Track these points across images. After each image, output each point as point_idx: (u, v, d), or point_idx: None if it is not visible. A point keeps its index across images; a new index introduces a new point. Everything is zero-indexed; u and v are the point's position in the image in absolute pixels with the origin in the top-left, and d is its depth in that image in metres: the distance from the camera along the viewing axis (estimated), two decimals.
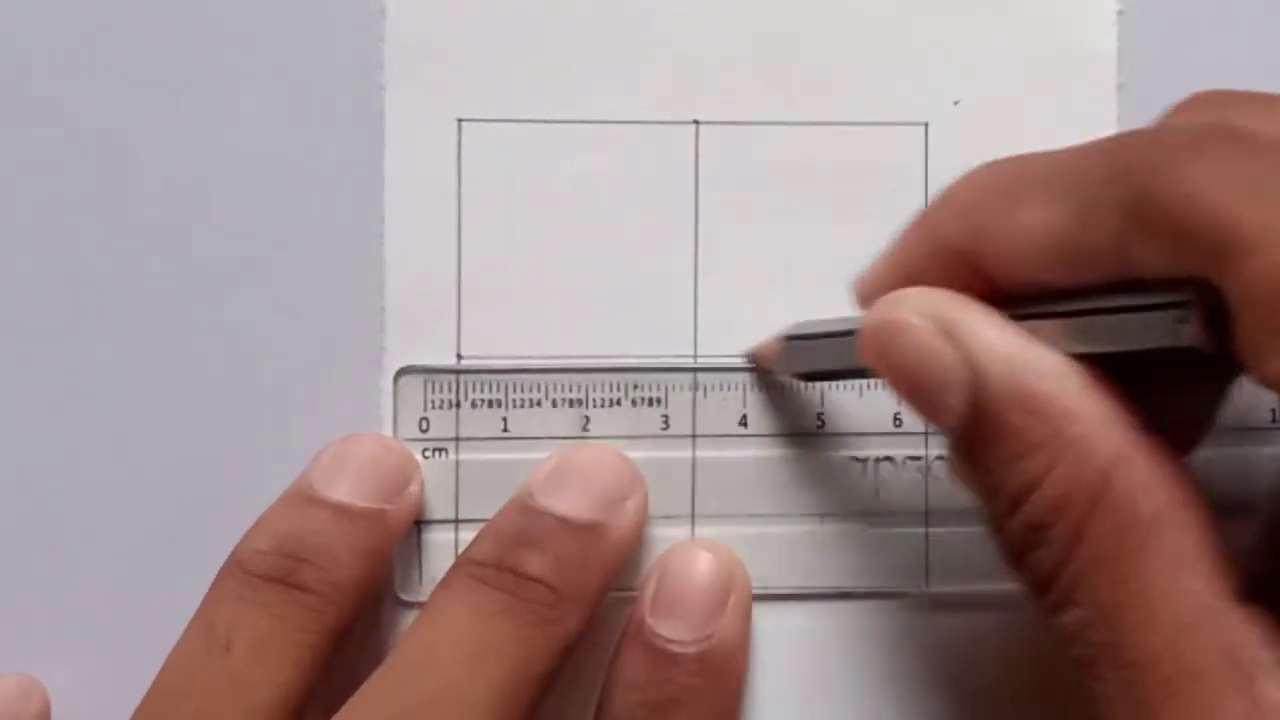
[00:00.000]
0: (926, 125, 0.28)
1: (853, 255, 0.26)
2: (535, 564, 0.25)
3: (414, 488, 0.27)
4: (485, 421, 0.28)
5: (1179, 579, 0.19)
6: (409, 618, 0.28)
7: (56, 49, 0.28)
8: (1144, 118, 0.27)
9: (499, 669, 0.24)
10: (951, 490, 0.28)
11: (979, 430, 0.21)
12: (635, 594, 0.27)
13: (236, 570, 0.25)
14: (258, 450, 0.28)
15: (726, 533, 0.28)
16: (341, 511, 0.26)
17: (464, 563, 0.26)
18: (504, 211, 0.28)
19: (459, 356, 0.28)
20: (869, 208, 0.28)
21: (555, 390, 0.28)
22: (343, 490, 0.26)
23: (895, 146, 0.28)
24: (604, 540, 0.26)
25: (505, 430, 0.28)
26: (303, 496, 0.26)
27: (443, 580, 0.26)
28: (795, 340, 0.27)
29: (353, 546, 0.26)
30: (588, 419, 0.28)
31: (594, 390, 0.28)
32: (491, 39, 0.28)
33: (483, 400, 0.28)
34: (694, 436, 0.28)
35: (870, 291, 0.25)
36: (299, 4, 0.28)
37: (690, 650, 0.26)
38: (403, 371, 0.28)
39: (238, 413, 0.27)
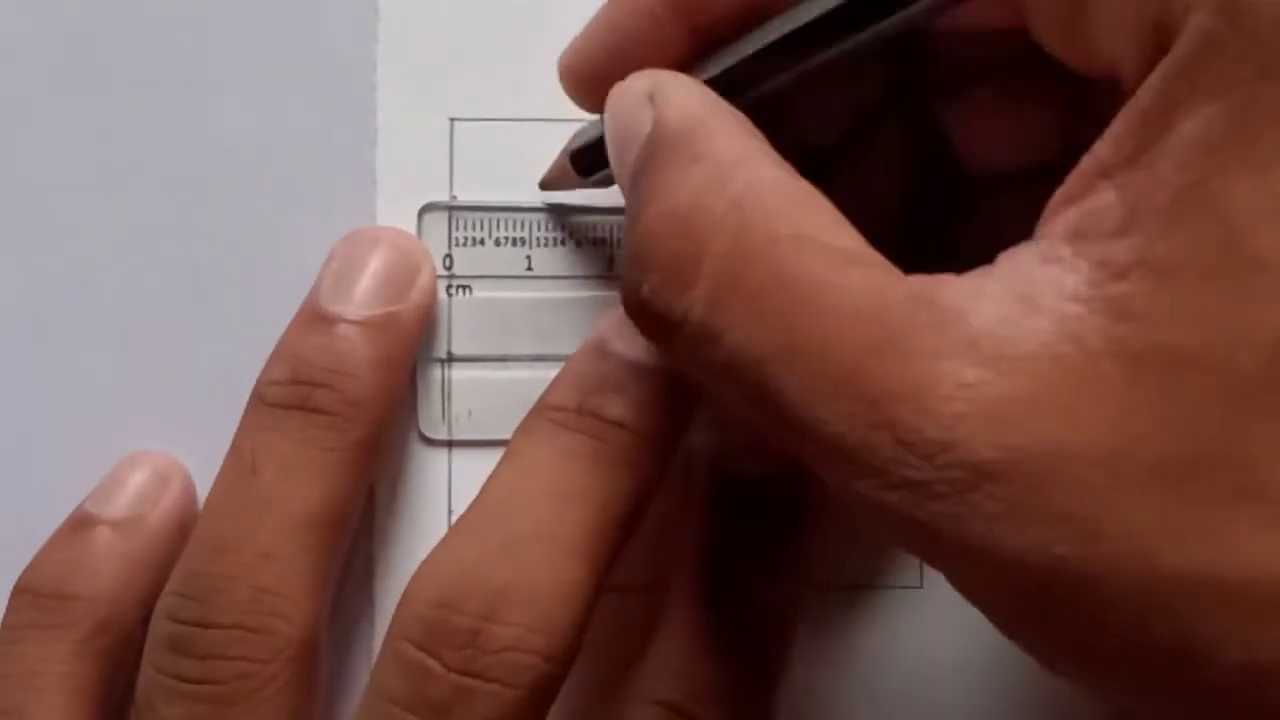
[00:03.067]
0: None
1: None
2: (616, 408, 0.25)
3: (423, 279, 0.27)
4: (509, 259, 0.28)
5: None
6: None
7: (50, 48, 0.28)
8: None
9: (586, 511, 0.24)
10: None
11: (643, 166, 0.21)
12: None
13: (258, 403, 0.26)
14: None
15: None
16: (349, 326, 0.26)
17: (543, 408, 0.25)
18: (496, 211, 0.28)
19: (449, 355, 0.28)
20: None
21: (580, 230, 0.28)
22: (349, 303, 0.26)
23: None
24: (680, 386, 0.25)
25: (529, 269, 0.28)
26: (312, 316, 0.26)
27: (521, 426, 0.25)
28: (578, 151, 0.26)
29: (366, 360, 0.25)
30: (613, 259, 0.28)
31: (619, 230, 0.28)
32: (484, 39, 0.28)
33: (506, 238, 0.28)
34: None
35: (579, 69, 0.25)
36: (292, 3, 0.28)
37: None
38: (427, 208, 0.28)
39: (231, 413, 0.26)
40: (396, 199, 0.28)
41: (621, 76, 0.23)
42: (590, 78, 0.24)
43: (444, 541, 0.25)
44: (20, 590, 0.26)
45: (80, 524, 0.27)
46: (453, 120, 0.28)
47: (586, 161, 0.26)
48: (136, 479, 0.27)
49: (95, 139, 0.28)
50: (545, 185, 0.27)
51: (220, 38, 0.28)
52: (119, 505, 0.27)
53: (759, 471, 0.26)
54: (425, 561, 0.24)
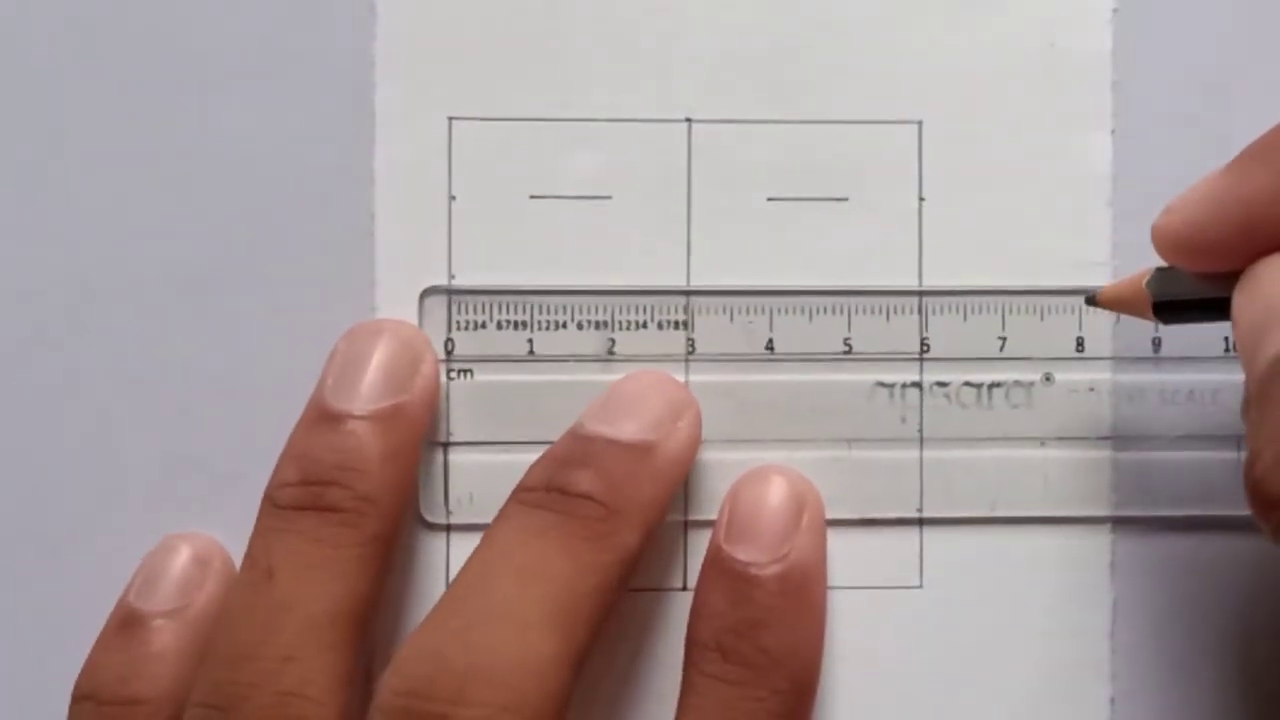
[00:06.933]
0: (920, 123, 0.28)
1: (847, 254, 0.27)
2: (583, 481, 0.25)
3: (426, 367, 0.27)
4: (510, 343, 0.28)
5: None
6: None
7: (48, 47, 0.28)
8: (1139, 116, 0.28)
9: (550, 585, 0.24)
10: (975, 416, 0.28)
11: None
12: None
13: (270, 507, 0.26)
14: (247, 449, 0.27)
15: (752, 457, 0.28)
16: (357, 422, 0.26)
17: (516, 491, 0.26)
18: (495, 210, 0.28)
19: (449, 354, 0.28)
20: (862, 206, 0.28)
21: (581, 312, 0.28)
22: (354, 398, 0.26)
23: (889, 144, 0.28)
24: (654, 457, 0.26)
25: (531, 352, 0.28)
26: (319, 415, 0.26)
27: (500, 510, 0.26)
28: (1165, 304, 0.25)
29: (375, 454, 0.25)
30: (613, 341, 0.28)
31: (620, 313, 0.28)
32: (482, 37, 0.28)
33: (508, 321, 0.28)
34: (720, 360, 0.28)
35: (1184, 235, 0.23)
36: (290, 2, 0.28)
37: (768, 571, 0.25)
38: (428, 292, 0.28)
39: (227, 412, 0.27)
40: (394, 198, 0.28)
41: (1247, 248, 0.23)
42: (1202, 247, 0.23)
43: (414, 632, 0.25)
44: (81, 698, 0.26)
45: (129, 621, 0.26)
46: (451, 119, 0.28)
47: (1171, 315, 0.25)
48: (177, 565, 0.27)
49: (91, 138, 0.28)
50: (1100, 303, 0.26)
51: (217, 37, 0.28)
52: (164, 597, 0.26)
53: None
54: (395, 654, 0.24)
